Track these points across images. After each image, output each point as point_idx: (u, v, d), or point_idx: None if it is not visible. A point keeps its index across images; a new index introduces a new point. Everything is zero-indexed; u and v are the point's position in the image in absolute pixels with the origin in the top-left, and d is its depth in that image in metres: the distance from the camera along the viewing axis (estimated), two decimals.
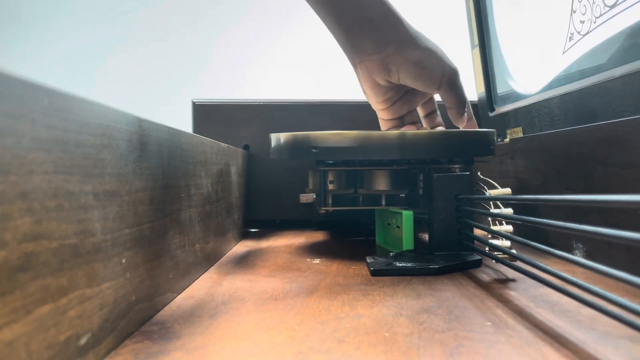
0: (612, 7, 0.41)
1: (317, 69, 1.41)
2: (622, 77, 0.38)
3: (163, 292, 0.29)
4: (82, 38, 1.47)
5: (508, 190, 0.40)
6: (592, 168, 0.39)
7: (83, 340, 0.19)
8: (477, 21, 0.65)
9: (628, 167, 0.35)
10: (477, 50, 0.66)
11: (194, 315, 0.28)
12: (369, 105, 0.69)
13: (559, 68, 0.50)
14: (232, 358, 0.21)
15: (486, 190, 0.42)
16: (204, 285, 0.35)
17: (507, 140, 0.57)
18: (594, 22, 0.43)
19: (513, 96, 0.60)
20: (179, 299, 0.31)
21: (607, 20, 0.42)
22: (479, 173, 0.44)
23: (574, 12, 0.46)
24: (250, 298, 0.31)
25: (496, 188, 0.41)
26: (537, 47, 0.57)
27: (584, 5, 0.45)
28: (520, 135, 0.56)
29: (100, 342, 0.21)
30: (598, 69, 0.42)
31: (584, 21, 0.45)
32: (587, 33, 0.45)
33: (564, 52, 0.48)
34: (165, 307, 0.29)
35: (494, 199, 0.38)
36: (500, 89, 0.64)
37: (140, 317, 0.25)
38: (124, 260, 0.23)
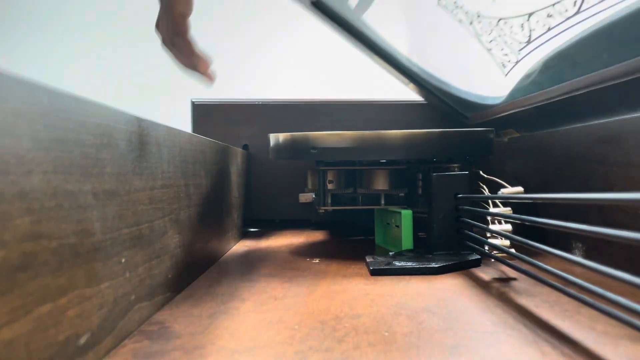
0: (528, 42, 0.41)
1: (317, 69, 1.41)
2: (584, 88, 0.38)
3: (162, 291, 0.29)
4: (83, 38, 1.47)
5: (520, 189, 0.39)
6: (591, 167, 0.39)
7: (82, 340, 0.19)
8: (394, 66, 0.63)
9: (627, 166, 0.35)
10: (412, 85, 0.64)
11: (193, 315, 0.28)
12: (369, 105, 0.70)
13: (510, 85, 0.49)
14: (231, 358, 0.21)
15: (485, 190, 0.42)
16: (204, 285, 0.35)
17: (505, 140, 0.57)
18: (519, 53, 0.43)
19: (483, 106, 0.58)
20: (179, 299, 0.31)
21: (533, 50, 0.42)
22: (480, 172, 0.44)
23: (490, 50, 0.45)
24: (249, 297, 0.31)
25: (505, 187, 0.40)
26: (477, 73, 0.55)
27: (498, 44, 0.44)
28: (515, 134, 0.56)
29: (100, 341, 0.21)
30: (552, 82, 0.42)
31: (507, 54, 0.45)
32: (517, 62, 0.45)
33: (506, 75, 0.48)
34: (165, 307, 0.29)
35: (494, 197, 0.38)
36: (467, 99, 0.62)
37: (140, 316, 0.25)
38: (123, 260, 0.23)
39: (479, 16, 0.42)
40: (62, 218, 0.18)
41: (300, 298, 0.31)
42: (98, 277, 0.20)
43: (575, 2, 0.35)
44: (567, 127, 0.44)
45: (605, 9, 0.34)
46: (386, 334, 0.24)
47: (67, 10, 1.49)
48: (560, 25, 0.38)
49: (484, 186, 0.43)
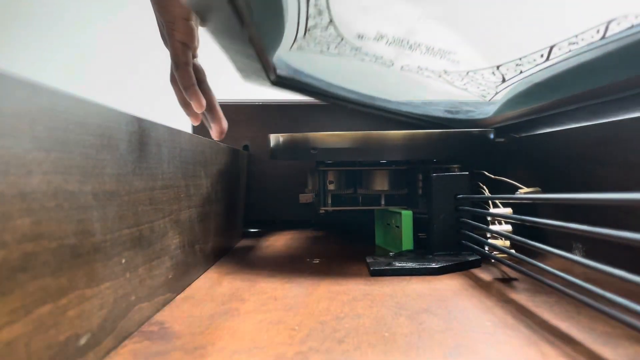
0: (503, 81, 0.42)
1: None
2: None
3: (162, 292, 0.29)
4: (83, 38, 1.47)
5: (538, 190, 0.39)
6: (591, 167, 0.39)
7: (83, 341, 0.19)
8: (371, 108, 0.61)
9: (627, 166, 0.35)
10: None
11: (193, 315, 0.28)
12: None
13: (497, 101, 0.49)
14: (231, 358, 0.21)
15: (485, 190, 0.42)
16: (204, 285, 0.35)
17: (504, 140, 0.57)
18: (497, 88, 0.44)
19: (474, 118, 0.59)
20: (179, 299, 0.31)
21: (511, 84, 0.42)
22: (485, 172, 0.44)
23: (466, 89, 0.46)
24: (249, 298, 0.31)
25: (521, 188, 0.40)
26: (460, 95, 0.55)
27: (472, 86, 0.44)
28: (515, 136, 0.56)
29: (100, 342, 0.21)
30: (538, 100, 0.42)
31: (484, 89, 0.45)
32: (497, 93, 0.45)
33: (489, 100, 0.48)
34: (165, 307, 0.29)
35: (493, 198, 0.38)
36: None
37: (140, 317, 0.25)
38: (123, 261, 0.23)
39: (445, 71, 0.43)
40: (62, 218, 0.18)
41: (300, 298, 0.31)
42: (98, 278, 0.20)
43: (542, 54, 0.35)
44: (567, 128, 0.44)
45: (574, 56, 0.34)
46: (386, 334, 0.24)
47: (68, 11, 1.49)
48: (532, 69, 0.38)
49: (484, 187, 0.43)
